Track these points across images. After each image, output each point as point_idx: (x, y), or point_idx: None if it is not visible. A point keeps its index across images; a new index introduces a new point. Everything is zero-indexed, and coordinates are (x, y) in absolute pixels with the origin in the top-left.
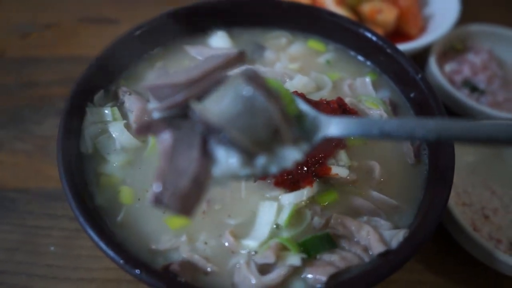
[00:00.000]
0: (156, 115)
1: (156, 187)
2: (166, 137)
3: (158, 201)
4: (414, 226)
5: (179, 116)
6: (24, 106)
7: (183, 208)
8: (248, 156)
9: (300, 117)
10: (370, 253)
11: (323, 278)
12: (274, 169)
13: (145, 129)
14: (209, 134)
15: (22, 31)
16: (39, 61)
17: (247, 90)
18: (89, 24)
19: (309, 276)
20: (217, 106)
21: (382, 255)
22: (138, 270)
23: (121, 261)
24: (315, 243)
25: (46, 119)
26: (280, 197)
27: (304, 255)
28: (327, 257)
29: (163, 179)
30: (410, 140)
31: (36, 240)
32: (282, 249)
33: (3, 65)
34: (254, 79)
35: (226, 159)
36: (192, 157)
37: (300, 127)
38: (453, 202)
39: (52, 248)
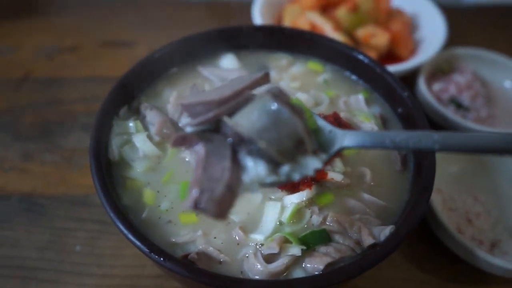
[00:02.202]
0: (189, 129)
1: (195, 193)
2: (199, 148)
3: (196, 205)
4: (399, 223)
5: (210, 130)
6: (51, 122)
7: (219, 212)
8: (274, 165)
9: (317, 131)
10: (361, 245)
11: (320, 267)
12: (296, 176)
13: (180, 141)
14: (239, 145)
15: (48, 54)
16: (64, 81)
17: (274, 105)
18: (108, 47)
19: (308, 265)
20: (247, 121)
21: (371, 247)
22: (162, 258)
23: (147, 250)
24: (313, 238)
25: (71, 133)
26: (283, 198)
27: (303, 247)
28: (323, 249)
29: (200, 186)
30: (416, 150)
31: (64, 240)
32: (284, 242)
33: (31, 85)
34: (280, 96)
35: (255, 168)
36: (224, 166)
37: (317, 140)
38: (440, 208)
39: (78, 248)
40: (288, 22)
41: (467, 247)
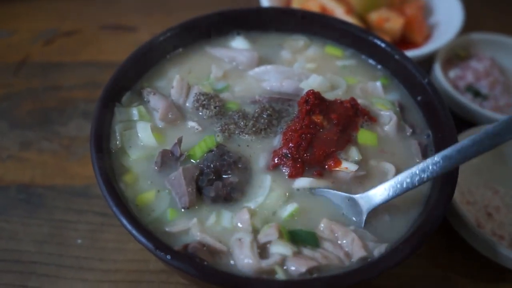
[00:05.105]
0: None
1: None
2: None
3: None
4: (422, 219)
5: None
6: (49, 109)
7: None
8: None
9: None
10: (351, 259)
11: (303, 269)
12: None
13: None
14: None
15: (46, 38)
16: (62, 66)
17: None
18: (108, 31)
19: (292, 268)
20: None
21: (362, 260)
22: (169, 256)
23: (153, 247)
24: (301, 235)
25: (70, 120)
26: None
27: (294, 248)
28: (309, 252)
29: None
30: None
31: (64, 233)
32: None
33: (29, 70)
34: None
35: None
36: None
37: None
38: (458, 201)
39: (79, 241)
40: (297, 4)
41: (488, 242)
